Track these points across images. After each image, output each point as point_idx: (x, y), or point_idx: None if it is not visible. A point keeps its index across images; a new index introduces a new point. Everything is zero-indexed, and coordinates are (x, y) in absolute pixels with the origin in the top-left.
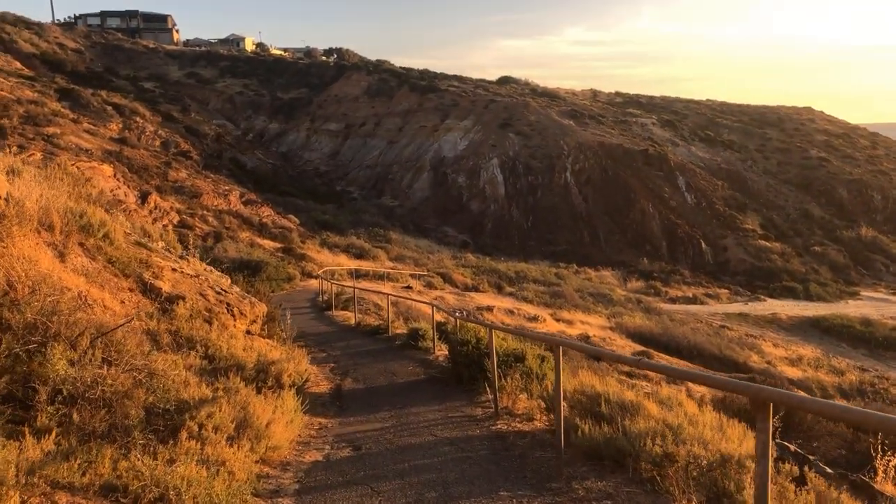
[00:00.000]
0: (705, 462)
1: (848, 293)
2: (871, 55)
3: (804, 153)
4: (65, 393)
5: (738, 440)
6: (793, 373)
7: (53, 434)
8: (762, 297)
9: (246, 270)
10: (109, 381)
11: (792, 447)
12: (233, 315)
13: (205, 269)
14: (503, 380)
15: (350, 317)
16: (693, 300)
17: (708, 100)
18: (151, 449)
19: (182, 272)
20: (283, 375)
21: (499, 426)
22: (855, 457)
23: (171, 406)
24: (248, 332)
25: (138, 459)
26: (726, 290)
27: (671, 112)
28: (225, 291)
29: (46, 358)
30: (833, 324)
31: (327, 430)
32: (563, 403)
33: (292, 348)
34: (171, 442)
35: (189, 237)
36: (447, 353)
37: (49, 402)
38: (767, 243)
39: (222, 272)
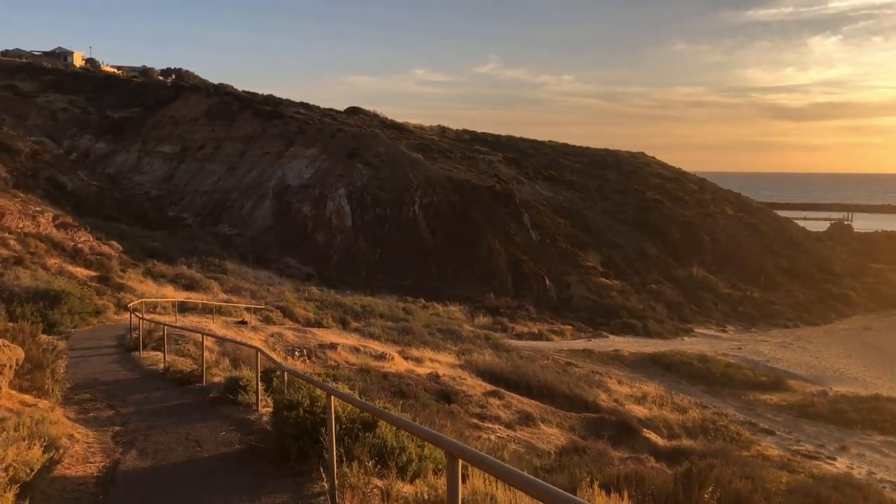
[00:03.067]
0: None
1: (683, 330)
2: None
3: (640, 195)
4: None
5: None
6: (640, 411)
7: None
8: (604, 333)
9: (42, 302)
10: None
11: None
12: None
13: None
14: (347, 462)
15: (161, 359)
16: (539, 336)
17: (550, 141)
18: None
19: None
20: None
21: None
22: None
23: None
24: None
25: None
26: (570, 327)
27: (516, 151)
28: None
29: None
30: (673, 360)
31: None
32: None
33: (54, 408)
34: None
35: None
36: (273, 411)
37: None
38: (607, 280)
39: None
